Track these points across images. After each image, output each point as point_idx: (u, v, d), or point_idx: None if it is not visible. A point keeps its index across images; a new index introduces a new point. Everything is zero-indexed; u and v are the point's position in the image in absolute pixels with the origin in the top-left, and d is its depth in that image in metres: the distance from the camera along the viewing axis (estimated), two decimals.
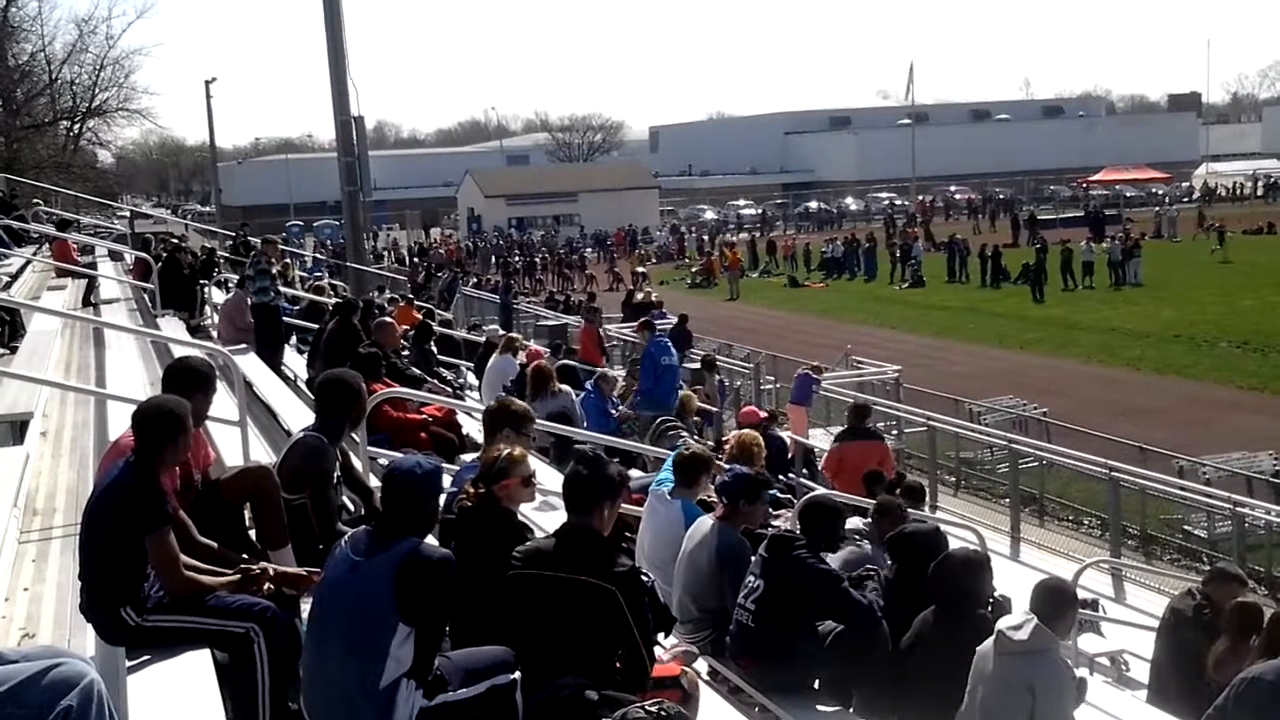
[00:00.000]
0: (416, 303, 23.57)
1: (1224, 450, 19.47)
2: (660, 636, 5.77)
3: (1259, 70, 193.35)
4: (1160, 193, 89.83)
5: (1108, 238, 55.87)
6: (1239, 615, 8.18)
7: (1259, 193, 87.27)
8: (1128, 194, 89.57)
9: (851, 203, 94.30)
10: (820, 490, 12.36)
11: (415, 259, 61.81)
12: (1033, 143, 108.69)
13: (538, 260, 65.38)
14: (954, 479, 20.41)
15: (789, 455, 16.15)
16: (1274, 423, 23.99)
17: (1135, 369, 30.50)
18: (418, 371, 13.96)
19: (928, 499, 15.55)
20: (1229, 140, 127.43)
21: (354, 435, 7.90)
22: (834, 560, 7.52)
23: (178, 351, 9.67)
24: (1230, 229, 62.21)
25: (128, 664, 4.93)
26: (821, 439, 18.40)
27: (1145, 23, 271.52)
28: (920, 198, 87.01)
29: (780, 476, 13.24)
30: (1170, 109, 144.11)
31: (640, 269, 56.14)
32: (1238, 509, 14.38)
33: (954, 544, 7.79)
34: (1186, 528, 17.30)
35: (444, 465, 6.01)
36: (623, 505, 5.97)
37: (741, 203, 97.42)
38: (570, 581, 5.10)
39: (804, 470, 16.69)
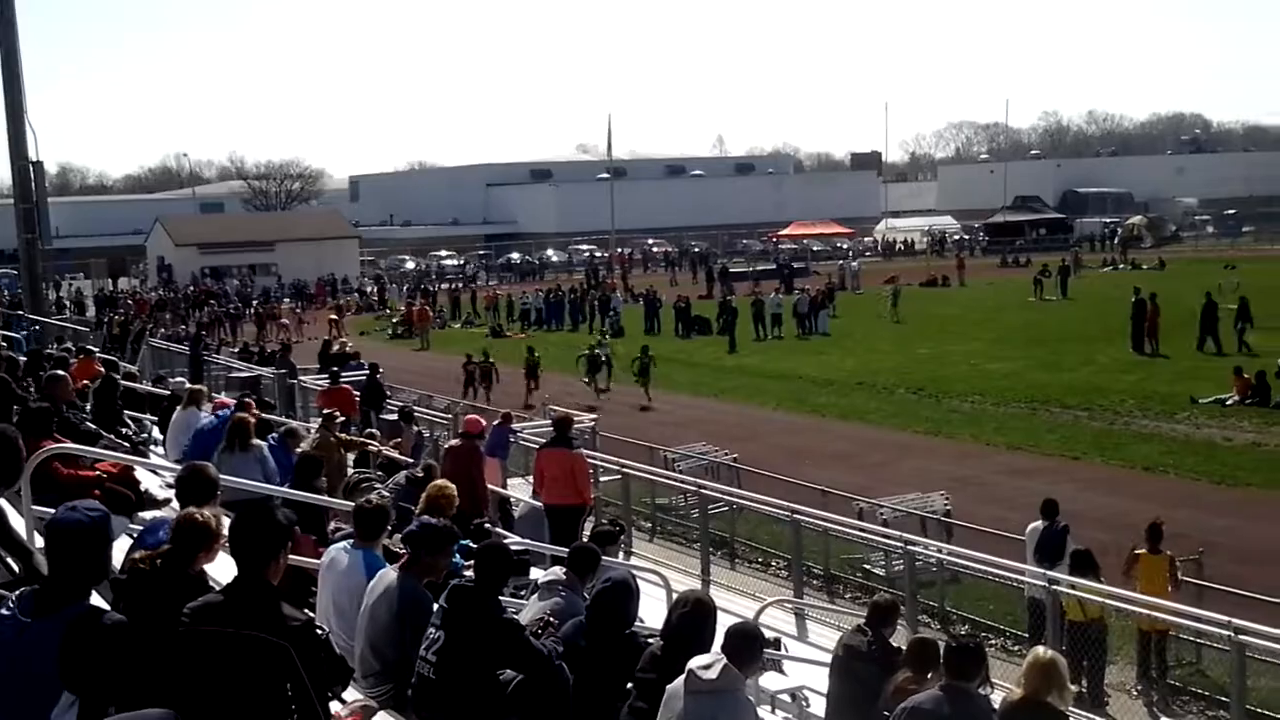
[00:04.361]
0: (99, 355, 22.56)
1: (901, 492, 20.44)
2: (340, 691, 5.68)
3: (934, 131, 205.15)
4: (844, 246, 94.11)
5: (796, 290, 58.15)
6: (917, 650, 8.62)
7: (934, 247, 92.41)
8: (815, 248, 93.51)
9: (553, 254, 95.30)
10: (509, 537, 12.41)
11: (101, 310, 59.25)
12: (725, 198, 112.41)
13: (232, 310, 63.55)
14: (650, 525, 20.77)
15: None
16: (947, 465, 25.40)
17: (821, 415, 31.79)
18: (94, 426, 13.34)
19: (624, 545, 15.83)
20: (907, 197, 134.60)
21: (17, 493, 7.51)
22: (537, 611, 7.55)
23: None
24: (909, 281, 65.79)
25: None
26: (522, 489, 18.49)
27: (829, 85, 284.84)
28: (619, 250, 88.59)
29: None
30: (853, 167, 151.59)
31: (334, 317, 55.26)
32: (909, 548, 15.10)
33: (644, 587, 7.94)
34: (866, 566, 18.10)
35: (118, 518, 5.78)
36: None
37: (444, 253, 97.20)
38: (240, 637, 4.96)
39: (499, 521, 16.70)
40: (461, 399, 29.75)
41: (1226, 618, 11.54)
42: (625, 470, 19.20)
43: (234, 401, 16.55)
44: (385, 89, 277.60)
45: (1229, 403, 30.49)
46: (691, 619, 6.69)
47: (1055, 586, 12.88)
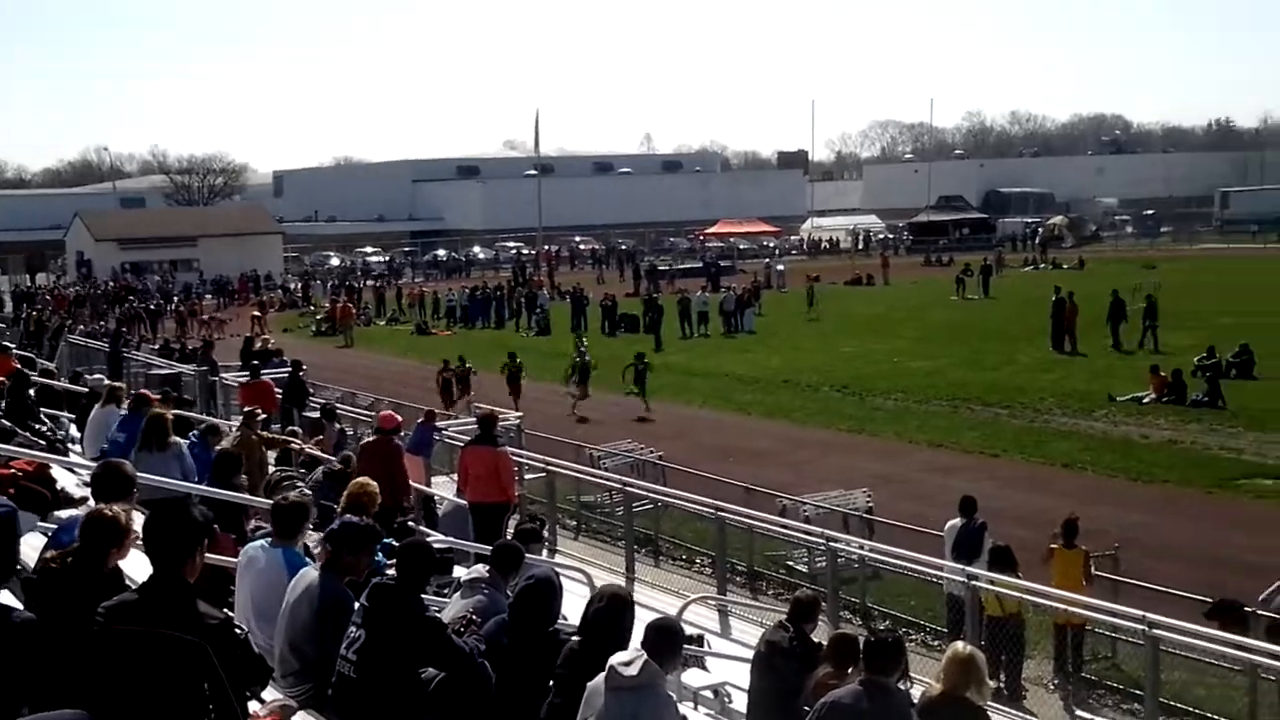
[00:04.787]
0: (15, 351, 22.21)
1: (824, 489, 20.57)
2: (259, 690, 5.64)
3: (860, 131, 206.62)
4: (771, 245, 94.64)
5: (723, 288, 58.39)
6: (838, 645, 8.70)
7: (859, 246, 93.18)
8: (741, 246, 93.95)
9: (480, 251, 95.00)
10: (432, 535, 12.38)
11: (18, 306, 58.30)
12: (653, 195, 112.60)
13: (152, 307, 62.73)
14: (574, 523, 20.78)
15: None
16: (869, 462, 25.61)
17: (746, 413, 31.95)
18: (8, 424, 13.16)
19: (547, 542, 15.85)
20: (833, 196, 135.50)
21: None
22: (460, 609, 7.53)
23: None
24: (834, 280, 66.39)
25: None
26: (447, 488, 18.42)
27: (757, 83, 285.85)
28: (546, 247, 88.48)
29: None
30: (780, 166, 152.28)
31: (257, 314, 54.77)
32: (832, 544, 15.23)
33: (568, 585, 7.95)
34: (789, 563, 18.22)
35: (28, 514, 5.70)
36: None
37: (369, 250, 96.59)
38: (156, 636, 4.91)
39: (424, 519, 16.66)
40: (445, 408, 29.04)
41: (1141, 612, 11.76)
42: (550, 468, 19.20)
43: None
44: (311, 83, 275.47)
45: (1146, 400, 31.00)
46: (608, 613, 6.70)
47: (974, 582, 13.03)
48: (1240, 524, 20.72)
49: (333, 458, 16.26)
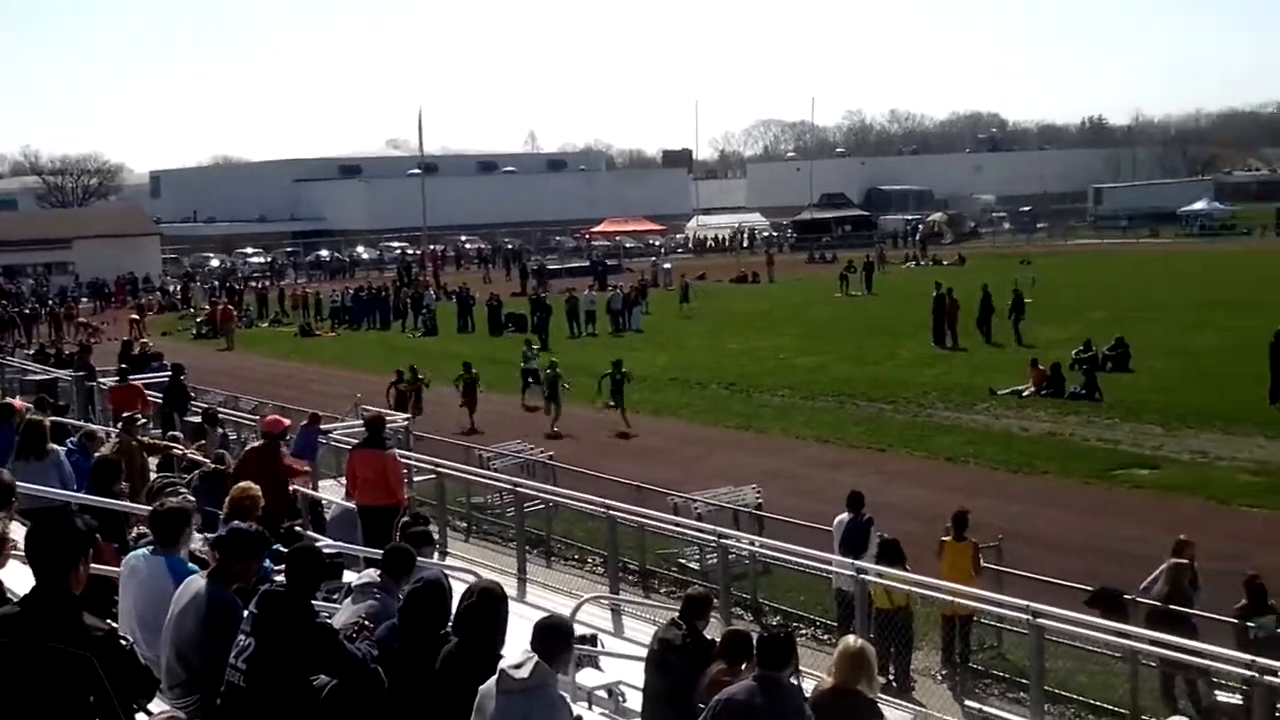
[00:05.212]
0: None
1: (714, 486, 20.68)
2: (145, 702, 5.51)
3: (743, 130, 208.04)
4: (657, 244, 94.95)
5: (610, 287, 58.46)
6: (730, 641, 8.73)
7: (744, 243, 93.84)
8: (627, 245, 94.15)
9: (364, 251, 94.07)
10: (320, 540, 12.21)
11: None
12: (538, 194, 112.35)
13: (27, 311, 61.16)
14: (465, 525, 20.65)
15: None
16: (758, 458, 25.81)
17: (635, 411, 32.00)
18: None
19: (438, 545, 15.70)
20: (717, 194, 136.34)
21: None
22: (351, 615, 7.43)
23: None
24: (720, 278, 66.89)
25: None
26: (334, 491, 18.18)
27: (641, 82, 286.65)
28: (431, 247, 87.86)
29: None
30: (665, 164, 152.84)
31: (135, 317, 53.67)
32: (722, 541, 15.32)
33: (460, 588, 7.87)
34: (681, 560, 18.31)
35: None
36: None
37: (250, 250, 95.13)
38: (40, 649, 4.78)
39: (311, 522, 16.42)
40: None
41: (1025, 602, 11.98)
42: (440, 470, 19.06)
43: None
44: (188, 82, 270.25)
45: (1025, 394, 31.64)
46: (480, 609, 6.59)
47: (863, 576, 13.18)
48: (1118, 514, 21.23)
49: (206, 460, 15.99)
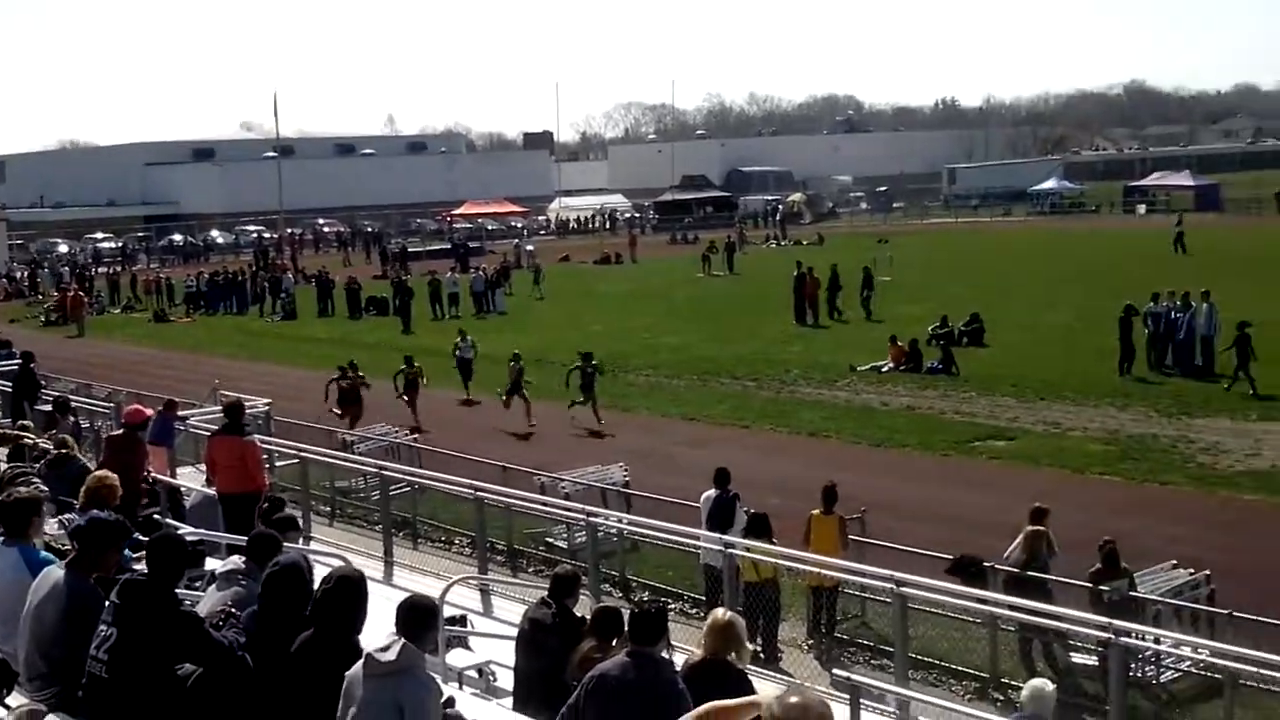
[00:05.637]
0: None
1: (581, 465, 20.68)
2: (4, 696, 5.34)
3: (604, 112, 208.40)
4: (519, 225, 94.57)
5: (472, 269, 58.08)
6: (601, 618, 8.73)
7: (606, 225, 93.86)
8: (489, 227, 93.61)
9: (219, 236, 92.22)
10: (181, 528, 11.96)
11: None
12: (398, 177, 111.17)
13: None
14: (329, 509, 20.39)
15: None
16: (625, 437, 25.94)
17: (500, 394, 31.82)
18: None
19: (302, 530, 15.47)
20: (579, 176, 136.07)
21: None
22: (217, 602, 7.27)
23: None
24: (584, 259, 66.95)
25: None
26: (194, 478, 17.83)
27: (501, 65, 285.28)
28: (289, 231, 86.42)
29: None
30: (526, 146, 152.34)
31: None
32: (591, 519, 15.34)
33: (320, 572, 7.75)
34: (549, 540, 18.31)
35: None
36: None
37: (100, 236, 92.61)
38: None
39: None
40: (347, 425, 26.28)
41: (890, 571, 12.20)
42: (302, 454, 18.78)
43: None
44: (33, 62, 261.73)
45: (885, 369, 32.20)
46: (338, 596, 6.48)
47: (731, 550, 13.29)
48: (976, 484, 21.75)
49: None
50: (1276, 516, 19.26)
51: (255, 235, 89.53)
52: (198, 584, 9.26)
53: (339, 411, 27.47)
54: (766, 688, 7.54)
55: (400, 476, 18.64)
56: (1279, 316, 33.09)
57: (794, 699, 4.04)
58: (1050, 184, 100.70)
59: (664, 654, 7.75)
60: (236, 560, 7.87)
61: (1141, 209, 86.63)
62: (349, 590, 6.53)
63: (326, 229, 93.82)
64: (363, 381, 28.36)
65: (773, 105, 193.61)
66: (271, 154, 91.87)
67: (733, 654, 7.64)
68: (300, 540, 13.12)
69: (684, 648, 9.12)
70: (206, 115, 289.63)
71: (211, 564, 9.59)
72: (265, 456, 17.15)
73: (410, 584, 14.78)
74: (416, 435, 24.81)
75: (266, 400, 23.09)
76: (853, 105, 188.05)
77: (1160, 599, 13.75)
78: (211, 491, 15.71)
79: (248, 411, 17.74)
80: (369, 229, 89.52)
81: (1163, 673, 12.93)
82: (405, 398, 29.09)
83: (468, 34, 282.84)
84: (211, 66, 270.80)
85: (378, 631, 6.41)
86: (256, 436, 17.04)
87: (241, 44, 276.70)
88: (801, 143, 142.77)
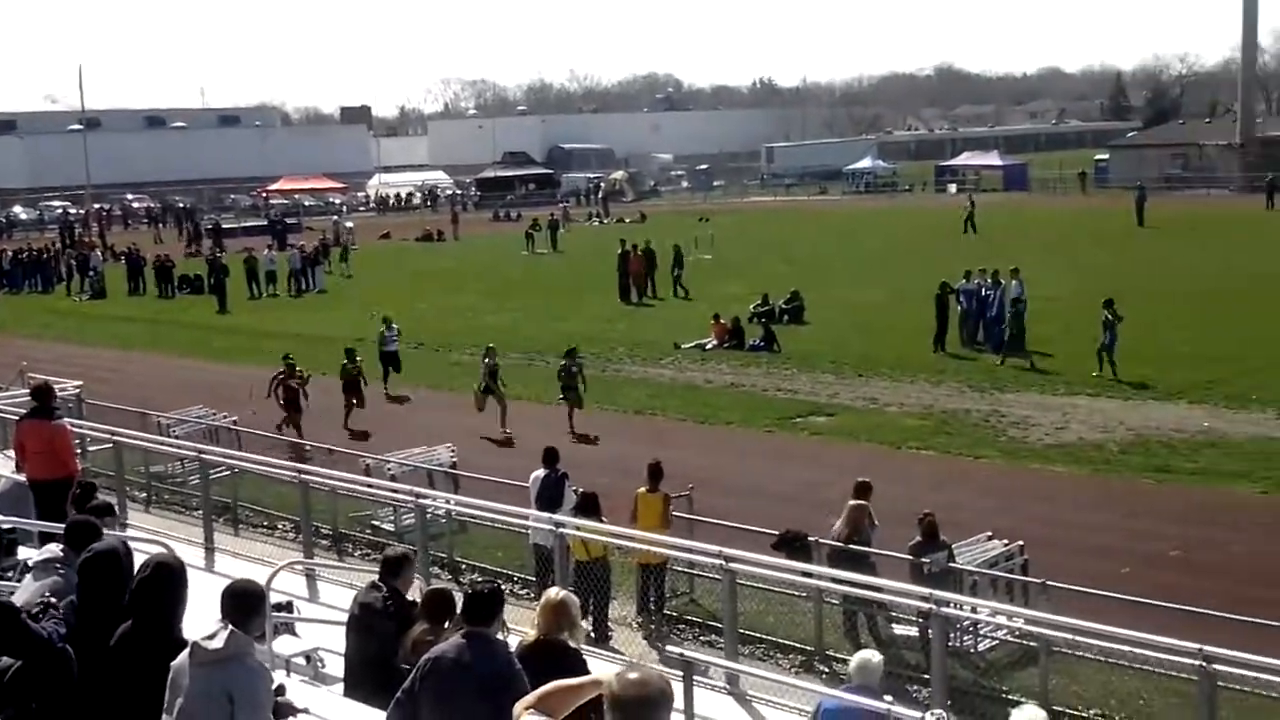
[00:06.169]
0: None
1: (407, 446, 20.46)
2: None
3: (424, 88, 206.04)
4: (338, 202, 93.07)
5: (289, 246, 56.97)
6: (432, 601, 8.67)
7: (427, 202, 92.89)
8: (307, 203, 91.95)
9: (22, 212, 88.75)
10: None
11: None
12: (210, 151, 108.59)
13: None
14: (145, 495, 19.80)
15: None
16: (452, 417, 25.66)
17: (321, 374, 31.23)
18: None
19: (118, 516, 15.00)
20: (399, 152, 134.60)
21: None
22: (35, 592, 7.01)
23: None
24: (405, 236, 66.24)
25: None
26: (3, 465, 17.13)
27: (315, 38, 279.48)
28: (96, 206, 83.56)
29: None
30: (343, 121, 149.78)
31: None
32: (419, 500, 15.19)
33: (139, 560, 7.53)
34: (375, 522, 18.09)
35: None
36: None
37: None
38: None
39: None
40: (289, 427, 24.81)
41: (718, 548, 12.34)
42: (116, 438, 18.19)
43: None
44: None
45: (709, 347, 32.58)
46: (155, 584, 6.27)
47: (561, 529, 13.30)
48: (798, 459, 22.18)
49: None
50: (1084, 487, 20.01)
51: (61, 211, 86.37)
52: (10, 574, 8.94)
53: (285, 413, 25.14)
54: (600, 666, 7.59)
55: (220, 460, 18.19)
56: (1068, 291, 34.56)
57: (634, 675, 4.04)
58: (865, 163, 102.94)
59: (499, 635, 7.73)
60: (54, 548, 7.61)
61: (953, 188, 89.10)
62: (168, 578, 6.30)
63: (136, 205, 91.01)
64: (303, 379, 25.71)
65: (593, 83, 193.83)
66: (77, 126, 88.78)
67: (566, 633, 7.66)
68: (117, 527, 12.74)
69: (517, 629, 9.10)
70: (7, 86, 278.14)
71: (25, 553, 9.25)
72: (77, 441, 16.58)
73: (233, 570, 14.40)
74: (233, 417, 23.91)
75: (77, 383, 22.34)
76: (672, 84, 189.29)
77: (977, 570, 14.20)
78: (22, 478, 15.13)
79: (57, 395, 17.13)
80: (181, 205, 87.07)
81: (980, 641, 13.35)
82: (347, 400, 26.29)
83: (281, 5, 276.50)
84: (13, 35, 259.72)
85: (201, 620, 6.24)
86: (67, 420, 16.46)
87: (45, 12, 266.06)
88: (622, 120, 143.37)
